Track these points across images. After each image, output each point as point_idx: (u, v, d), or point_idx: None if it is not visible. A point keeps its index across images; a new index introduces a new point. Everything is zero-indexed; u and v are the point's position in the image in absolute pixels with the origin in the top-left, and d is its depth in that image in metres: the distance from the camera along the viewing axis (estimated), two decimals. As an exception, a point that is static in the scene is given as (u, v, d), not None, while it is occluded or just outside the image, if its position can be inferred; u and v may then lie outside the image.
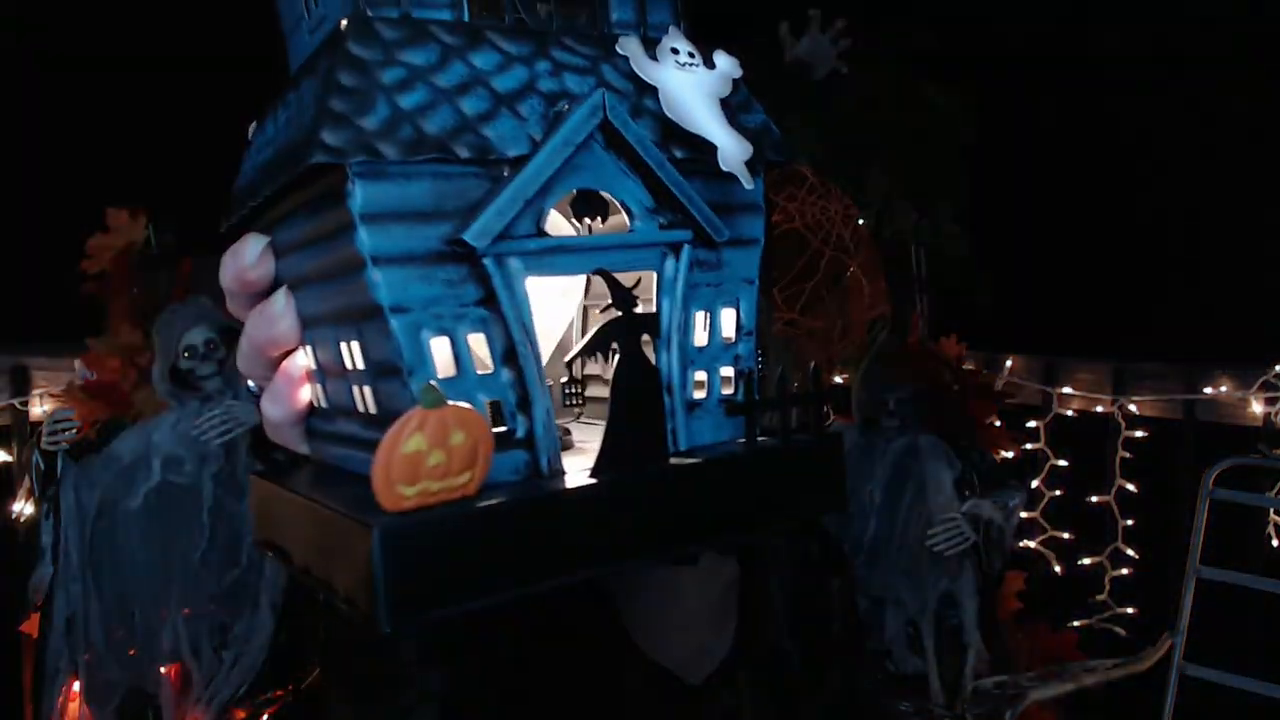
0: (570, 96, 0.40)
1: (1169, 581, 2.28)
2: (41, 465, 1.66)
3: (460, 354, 0.38)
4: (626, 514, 0.39)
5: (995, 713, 1.73)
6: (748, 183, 0.42)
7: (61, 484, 1.64)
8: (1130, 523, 2.39)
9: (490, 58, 0.40)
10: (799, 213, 1.07)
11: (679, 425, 0.42)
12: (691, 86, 0.41)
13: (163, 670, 1.67)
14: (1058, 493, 2.45)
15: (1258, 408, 2.22)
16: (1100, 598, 2.39)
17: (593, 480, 0.39)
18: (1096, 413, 2.42)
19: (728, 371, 0.46)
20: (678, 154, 0.42)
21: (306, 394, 0.49)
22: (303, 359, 0.47)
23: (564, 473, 0.40)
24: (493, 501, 0.37)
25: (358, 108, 0.36)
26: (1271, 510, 2.21)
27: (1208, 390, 2.28)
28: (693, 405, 0.44)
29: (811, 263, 1.14)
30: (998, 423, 1.98)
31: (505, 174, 0.38)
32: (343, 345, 0.41)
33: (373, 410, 0.40)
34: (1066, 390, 2.43)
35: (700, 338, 0.44)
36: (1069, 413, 2.44)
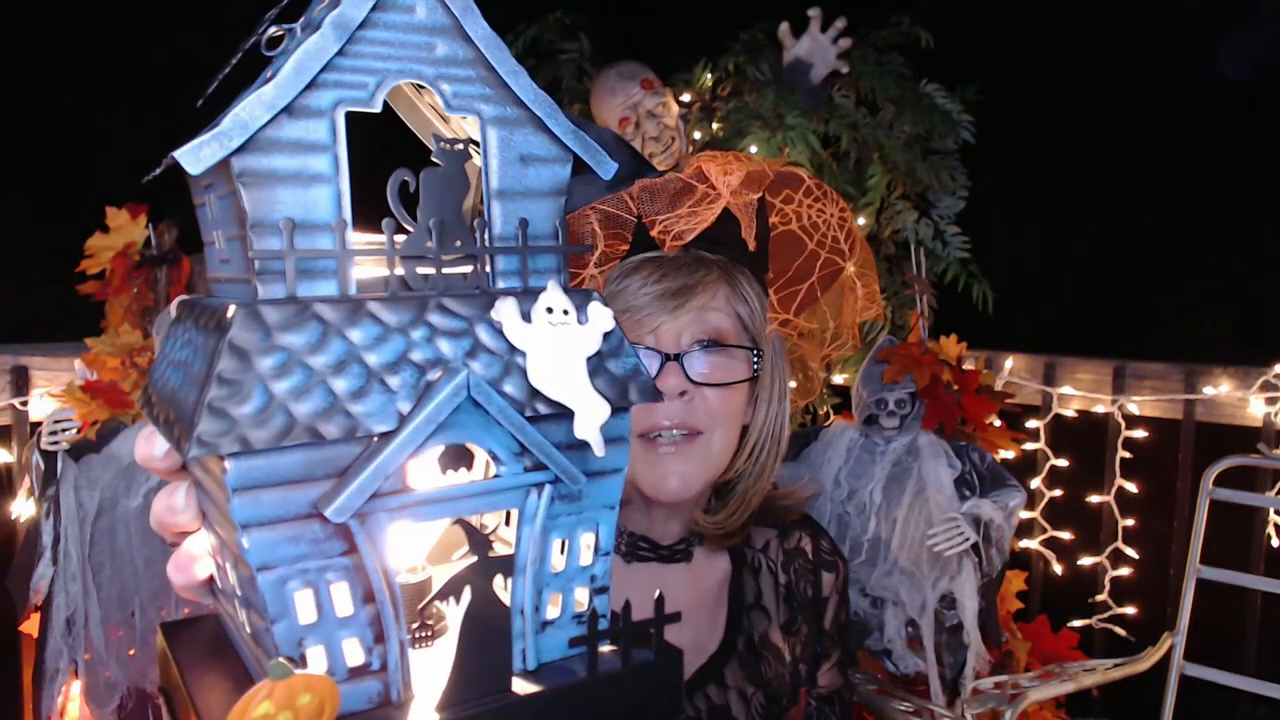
0: (444, 363, 0.42)
1: (1169, 581, 2.29)
2: (41, 465, 1.67)
3: (323, 602, 0.40)
4: None
5: (995, 713, 1.73)
6: (599, 450, 0.45)
7: (61, 484, 1.64)
8: (1130, 523, 2.39)
9: (369, 331, 0.41)
10: (795, 215, 1.07)
11: (529, 645, 0.45)
12: (560, 347, 0.44)
13: (163, 670, 1.67)
14: (1058, 493, 2.45)
15: (1258, 408, 2.22)
16: (1100, 598, 2.40)
17: (438, 714, 0.42)
18: (1096, 413, 2.42)
19: (583, 592, 0.48)
20: (542, 409, 0.44)
21: (206, 569, 0.50)
22: (205, 541, 0.49)
23: (413, 698, 0.43)
24: None
25: (234, 397, 0.37)
26: (1271, 510, 2.21)
27: (1208, 390, 2.28)
28: (545, 624, 0.47)
29: (807, 264, 1.14)
30: (998, 423, 1.98)
31: (371, 446, 0.40)
32: (226, 565, 0.44)
33: (247, 629, 0.43)
34: (1066, 390, 2.43)
35: (558, 563, 0.47)
36: (1069, 413, 2.44)
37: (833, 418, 2.29)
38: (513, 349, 0.44)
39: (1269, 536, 2.21)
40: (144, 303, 1.73)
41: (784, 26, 2.24)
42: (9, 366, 1.82)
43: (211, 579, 0.52)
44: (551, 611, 0.47)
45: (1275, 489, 2.16)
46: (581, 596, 0.48)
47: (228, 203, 0.41)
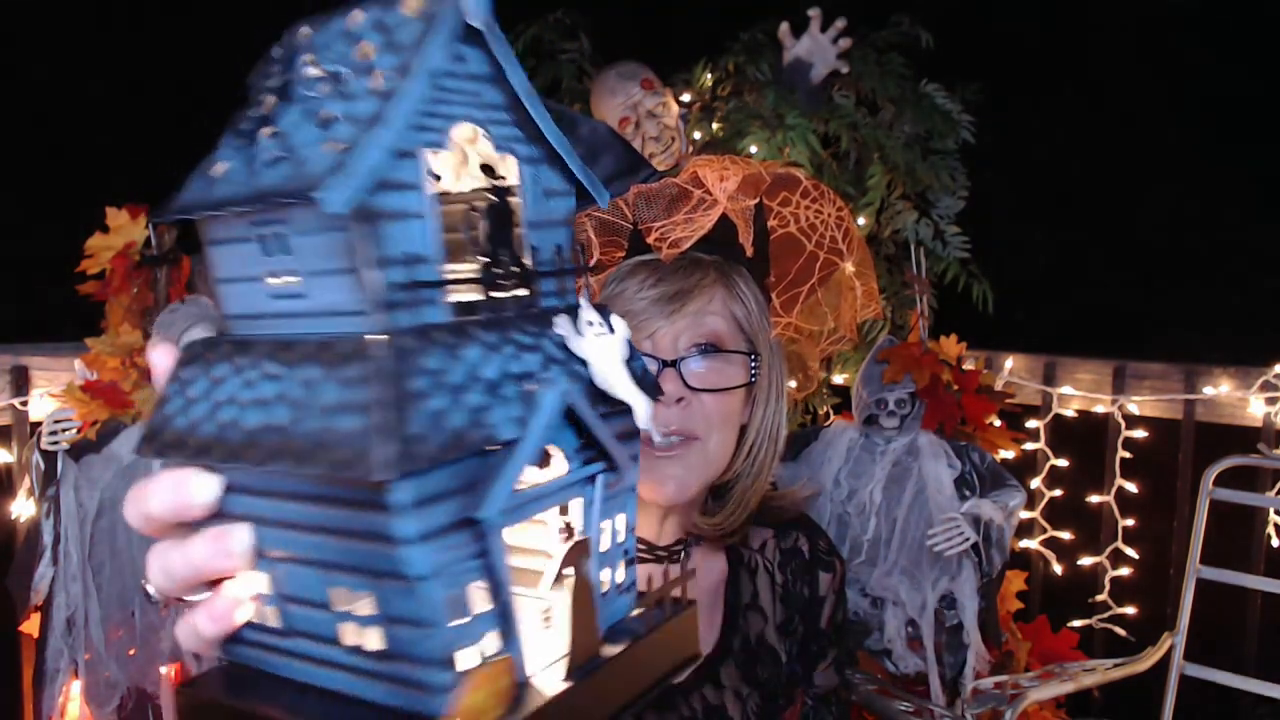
0: (531, 375, 0.47)
1: (1169, 581, 2.29)
2: (41, 465, 1.67)
3: (467, 602, 0.44)
4: (592, 699, 0.49)
5: (995, 713, 1.73)
6: (657, 438, 0.54)
7: (61, 484, 1.65)
8: (1130, 523, 2.39)
9: (477, 351, 0.45)
10: (793, 217, 1.07)
11: (599, 615, 0.51)
12: (606, 354, 0.50)
13: (163, 670, 1.67)
14: (1058, 493, 2.46)
15: (1258, 408, 2.22)
16: (1100, 598, 2.40)
17: (570, 683, 0.47)
18: (1096, 413, 2.43)
19: (622, 565, 0.54)
20: (601, 409, 0.50)
21: (246, 613, 0.49)
22: (251, 583, 0.48)
23: (533, 675, 0.48)
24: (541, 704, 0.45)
25: (398, 420, 0.40)
26: (1271, 510, 2.21)
27: (1208, 390, 2.28)
28: (603, 594, 0.53)
29: (807, 266, 1.14)
30: (998, 423, 1.98)
31: (502, 453, 0.44)
32: (333, 590, 0.45)
33: (377, 648, 0.45)
34: (1066, 390, 2.43)
35: (606, 541, 0.53)
36: (1069, 413, 2.44)
37: (833, 418, 2.29)
38: (570, 358, 0.50)
39: (1269, 536, 2.21)
40: (144, 303, 1.73)
41: (784, 26, 2.24)
42: (9, 366, 1.82)
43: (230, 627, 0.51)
44: (604, 587, 0.53)
45: (1275, 489, 2.16)
46: (621, 569, 0.54)
47: (325, 238, 0.43)
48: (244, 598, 0.49)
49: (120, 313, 1.72)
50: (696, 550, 1.14)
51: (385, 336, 0.41)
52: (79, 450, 1.66)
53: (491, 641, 0.45)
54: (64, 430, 1.66)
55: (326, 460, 0.40)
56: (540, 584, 0.50)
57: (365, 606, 0.45)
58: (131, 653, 1.66)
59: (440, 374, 0.43)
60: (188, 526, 0.49)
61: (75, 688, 1.67)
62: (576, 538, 0.50)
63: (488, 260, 0.48)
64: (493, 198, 0.49)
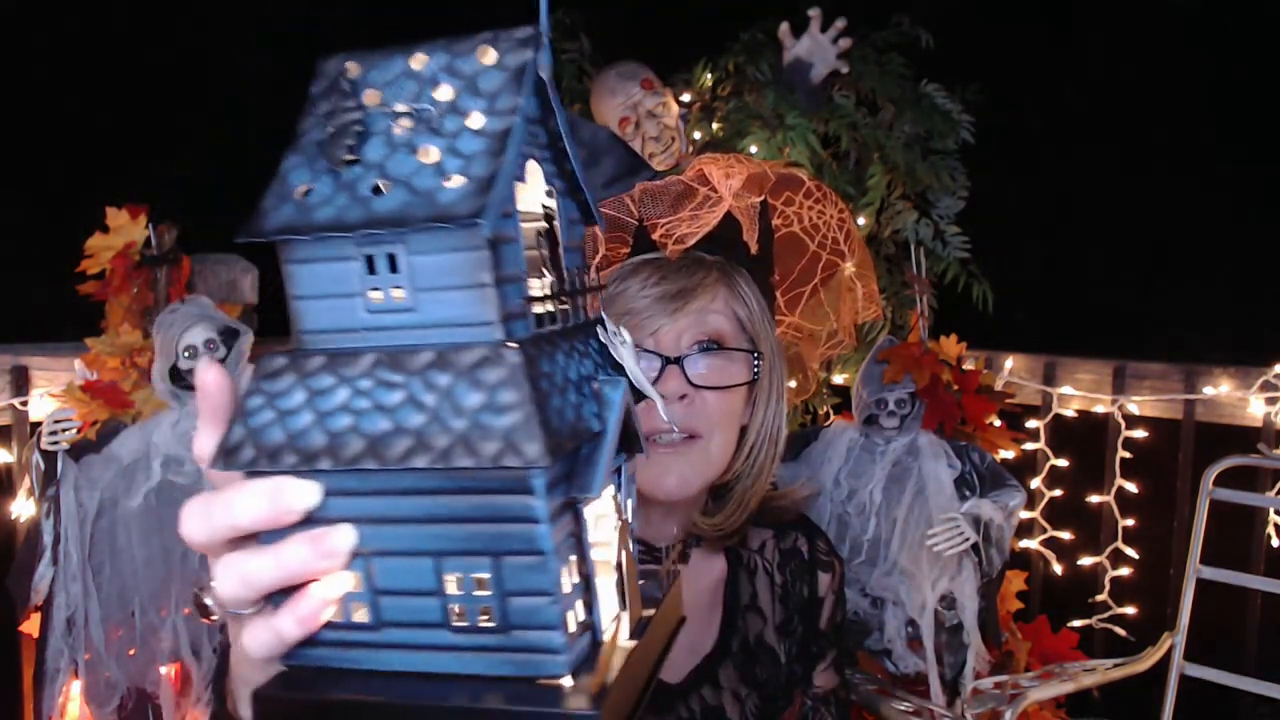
0: (591, 377, 0.55)
1: (1169, 581, 2.29)
2: (41, 465, 1.67)
3: (570, 574, 0.50)
4: (645, 652, 0.57)
5: (995, 713, 1.73)
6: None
7: (61, 484, 1.65)
8: (1130, 523, 2.39)
9: (564, 356, 0.53)
10: (796, 217, 1.08)
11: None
12: (633, 359, 0.58)
13: (163, 670, 1.67)
14: (1058, 493, 2.46)
15: (1258, 408, 2.22)
16: (1100, 598, 2.40)
17: (635, 641, 0.55)
18: (1096, 413, 2.43)
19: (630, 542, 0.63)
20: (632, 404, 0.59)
21: (330, 613, 0.50)
22: (341, 582, 0.50)
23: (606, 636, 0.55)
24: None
25: (540, 417, 0.46)
26: (1271, 510, 2.21)
27: (1208, 390, 2.28)
28: None
29: (810, 266, 1.14)
30: (998, 423, 1.98)
31: (592, 442, 0.52)
32: (448, 576, 0.50)
33: (494, 623, 0.50)
34: (1066, 390, 2.43)
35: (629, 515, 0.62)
36: (1069, 413, 2.44)
37: (833, 418, 2.29)
38: (606, 361, 0.58)
39: (1269, 536, 2.21)
40: (144, 303, 1.73)
41: (784, 26, 2.24)
42: (9, 366, 1.82)
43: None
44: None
45: (1275, 489, 2.16)
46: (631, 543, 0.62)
47: (449, 258, 0.48)
48: (334, 597, 0.49)
49: (120, 313, 1.72)
50: (695, 551, 1.14)
51: (516, 345, 0.47)
52: (79, 450, 1.66)
53: (581, 609, 0.51)
54: (64, 430, 1.66)
55: (477, 455, 0.45)
56: (602, 555, 0.56)
57: (483, 586, 0.49)
58: (131, 653, 1.66)
59: (551, 376, 0.49)
60: (254, 537, 0.50)
61: (75, 688, 1.67)
62: (623, 517, 0.57)
63: (556, 278, 0.56)
64: (546, 224, 0.56)
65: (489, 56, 0.50)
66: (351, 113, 0.50)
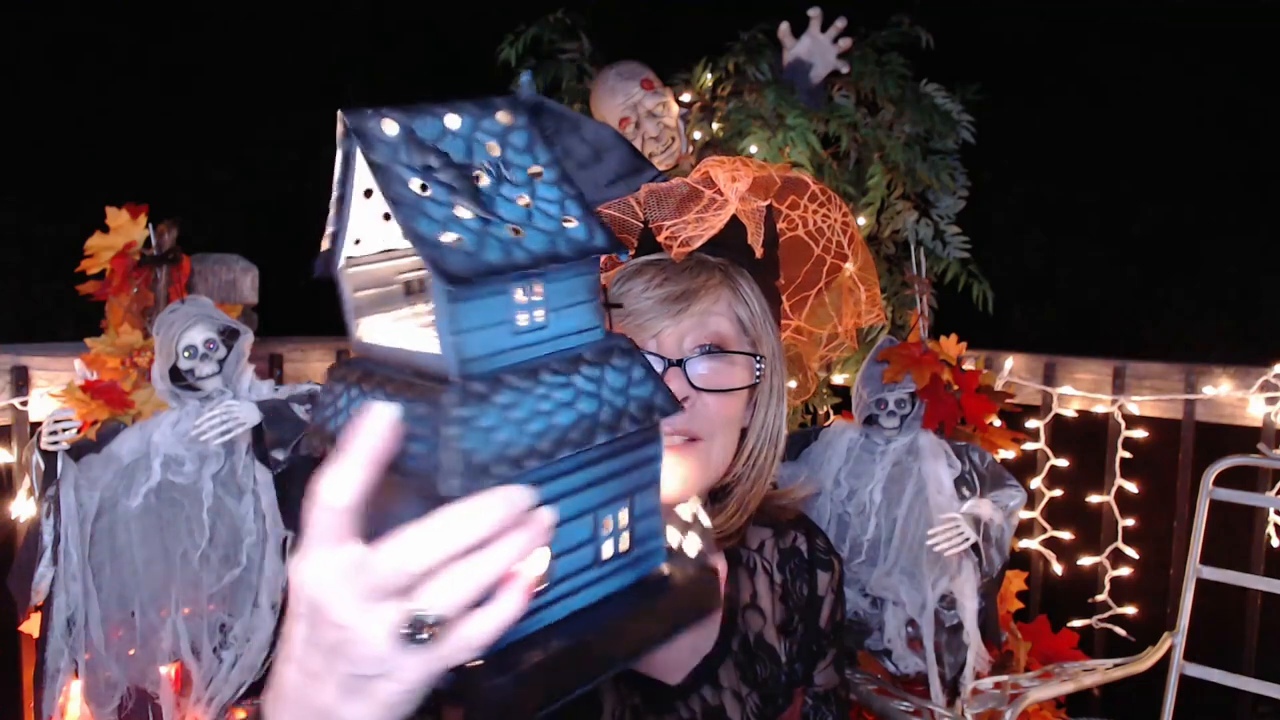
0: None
1: (1169, 581, 2.29)
2: (41, 465, 1.67)
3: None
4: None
5: (995, 713, 1.73)
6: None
7: (61, 484, 1.65)
8: (1130, 523, 2.39)
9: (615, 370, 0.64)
10: (801, 220, 1.08)
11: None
12: None
13: (163, 670, 1.67)
14: (1058, 493, 2.46)
15: (1258, 408, 2.22)
16: (1100, 598, 2.40)
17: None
18: (1096, 413, 2.42)
19: None
20: None
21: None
22: (542, 560, 0.58)
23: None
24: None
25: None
26: (1271, 510, 2.21)
27: (1208, 390, 2.28)
28: None
29: (814, 270, 1.14)
30: (998, 423, 1.98)
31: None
32: (604, 519, 0.62)
33: (629, 546, 0.63)
34: (1066, 390, 2.43)
35: None
36: (1069, 413, 2.44)
37: (833, 418, 2.29)
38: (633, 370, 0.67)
39: (1269, 536, 2.21)
40: (144, 303, 1.73)
41: (784, 26, 2.24)
42: (9, 366, 1.82)
43: None
44: None
45: (1275, 489, 2.16)
46: None
47: (574, 281, 0.60)
48: (530, 581, 0.55)
49: (120, 313, 1.72)
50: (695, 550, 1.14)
51: (620, 335, 0.63)
52: (79, 450, 1.66)
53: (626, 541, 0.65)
54: (64, 430, 1.66)
55: (639, 420, 0.60)
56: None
57: (622, 522, 0.63)
58: (131, 653, 1.66)
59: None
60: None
61: (75, 688, 1.67)
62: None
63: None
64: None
65: (503, 118, 0.60)
66: (456, 169, 0.57)
